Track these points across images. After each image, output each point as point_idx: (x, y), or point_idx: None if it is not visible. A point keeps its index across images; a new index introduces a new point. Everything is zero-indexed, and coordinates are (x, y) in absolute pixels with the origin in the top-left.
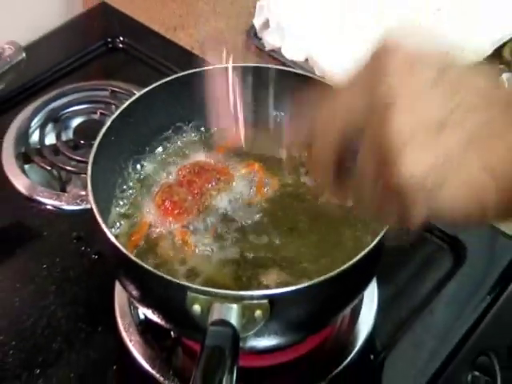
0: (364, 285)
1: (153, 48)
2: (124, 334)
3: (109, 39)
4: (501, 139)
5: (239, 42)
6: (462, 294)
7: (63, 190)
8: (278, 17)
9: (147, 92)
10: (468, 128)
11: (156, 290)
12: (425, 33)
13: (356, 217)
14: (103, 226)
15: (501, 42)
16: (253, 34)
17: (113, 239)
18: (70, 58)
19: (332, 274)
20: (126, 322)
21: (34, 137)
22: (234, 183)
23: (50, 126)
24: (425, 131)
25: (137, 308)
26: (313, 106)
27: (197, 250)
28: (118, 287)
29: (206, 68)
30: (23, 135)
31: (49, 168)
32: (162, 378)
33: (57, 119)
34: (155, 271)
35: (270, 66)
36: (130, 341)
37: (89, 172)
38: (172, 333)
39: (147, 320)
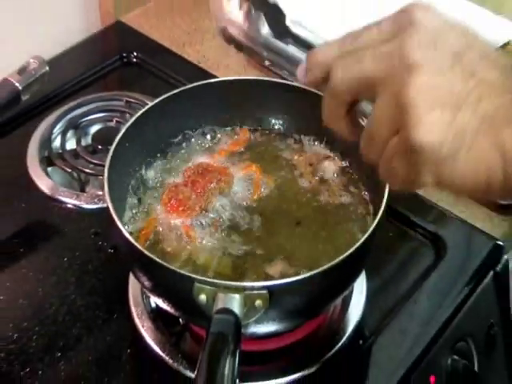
0: (354, 277)
1: (163, 62)
2: (137, 321)
3: (124, 54)
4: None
5: (242, 57)
6: (443, 285)
7: (82, 190)
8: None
9: (158, 102)
10: (482, 111)
11: (166, 281)
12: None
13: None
14: (118, 223)
15: None
16: None
17: (127, 235)
18: (88, 71)
19: (324, 267)
20: (139, 310)
21: (56, 142)
22: (234, 183)
23: (70, 133)
24: (442, 106)
25: (149, 297)
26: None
27: (200, 243)
28: (131, 278)
29: (211, 81)
30: (46, 141)
31: (69, 170)
32: (171, 361)
33: (77, 126)
34: (166, 264)
35: (268, 78)
36: (143, 327)
37: (105, 174)
38: (180, 320)
39: (158, 308)
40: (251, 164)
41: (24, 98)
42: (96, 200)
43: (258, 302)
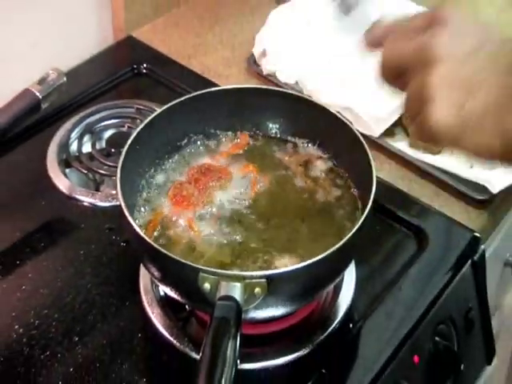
0: (344, 266)
1: (171, 73)
2: (147, 308)
3: (135, 66)
4: None
5: (242, 68)
6: (425, 273)
7: (97, 189)
8: (273, 47)
9: (166, 109)
10: (490, 102)
11: (173, 272)
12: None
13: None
14: (130, 219)
15: None
16: (253, 62)
17: (138, 230)
18: (102, 81)
19: (318, 258)
20: (149, 298)
21: (74, 146)
22: (233, 181)
23: (86, 137)
24: (457, 93)
25: (158, 286)
26: None
27: (201, 235)
28: (142, 269)
29: (213, 89)
30: (64, 145)
31: (85, 172)
32: (178, 344)
33: (92, 131)
34: (173, 256)
35: (265, 86)
36: (153, 313)
37: (118, 175)
38: (187, 306)
39: (166, 296)
40: (249, 164)
41: (44, 106)
42: (110, 198)
43: (257, 290)
